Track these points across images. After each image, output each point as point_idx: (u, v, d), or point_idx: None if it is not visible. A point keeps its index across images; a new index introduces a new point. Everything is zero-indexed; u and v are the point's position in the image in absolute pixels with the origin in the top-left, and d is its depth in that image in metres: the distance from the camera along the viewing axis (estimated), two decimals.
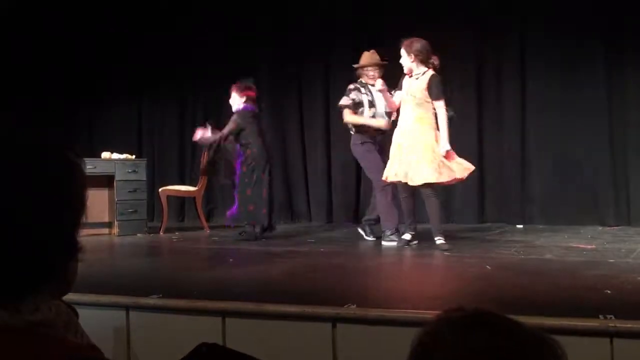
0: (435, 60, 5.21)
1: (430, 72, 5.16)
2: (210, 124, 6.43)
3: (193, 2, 8.48)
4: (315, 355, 2.68)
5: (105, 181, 6.77)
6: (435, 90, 5.08)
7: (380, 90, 5.41)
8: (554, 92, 6.98)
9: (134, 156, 7.25)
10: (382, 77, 5.71)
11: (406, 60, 5.19)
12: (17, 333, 0.82)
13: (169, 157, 8.92)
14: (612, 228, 6.51)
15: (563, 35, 6.88)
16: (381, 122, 5.65)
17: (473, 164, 7.15)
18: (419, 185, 5.00)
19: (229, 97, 6.26)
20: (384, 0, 7.60)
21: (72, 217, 0.91)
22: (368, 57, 5.82)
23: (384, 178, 5.27)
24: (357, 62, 5.91)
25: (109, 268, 4.44)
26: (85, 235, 0.94)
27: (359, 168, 6.93)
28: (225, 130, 6.10)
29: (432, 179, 4.93)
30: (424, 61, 5.17)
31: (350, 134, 5.84)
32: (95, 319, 2.81)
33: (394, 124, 5.43)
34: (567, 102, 6.93)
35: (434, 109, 5.10)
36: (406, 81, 5.26)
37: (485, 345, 0.85)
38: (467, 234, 6.13)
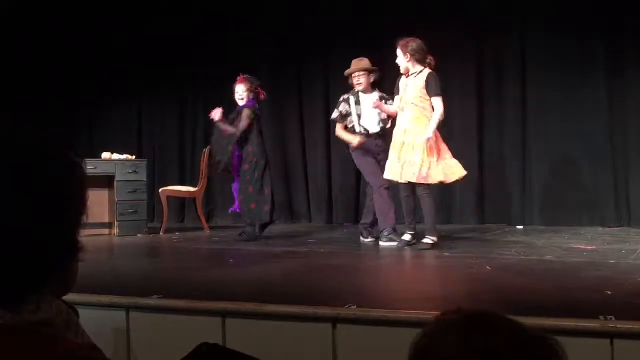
0: (431, 60, 5.21)
1: (427, 70, 5.16)
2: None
3: (193, 2, 8.48)
4: (315, 356, 2.68)
5: (106, 181, 6.77)
6: (434, 86, 5.08)
7: (376, 101, 5.48)
8: (554, 93, 6.98)
9: (134, 157, 7.25)
10: (376, 81, 5.76)
11: (402, 60, 5.19)
12: (18, 333, 0.82)
13: (169, 157, 8.92)
14: (613, 229, 6.51)
15: (563, 35, 6.88)
16: (353, 139, 5.64)
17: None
18: (413, 183, 5.03)
19: (232, 90, 6.14)
20: (384, 0, 7.60)
21: (73, 217, 0.91)
22: (354, 64, 5.81)
23: (384, 177, 5.30)
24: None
25: (109, 268, 4.45)
26: (85, 236, 0.94)
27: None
28: (243, 124, 5.95)
29: (413, 179, 4.98)
30: (420, 61, 5.16)
31: None
32: (96, 319, 2.81)
33: (393, 125, 5.44)
34: (567, 102, 6.93)
35: (432, 107, 5.10)
36: (403, 81, 5.26)
37: (485, 346, 0.85)
38: (467, 235, 6.14)
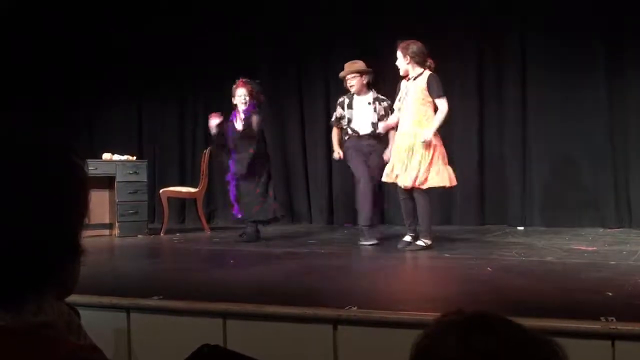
0: (431, 63, 5.20)
1: (428, 72, 5.14)
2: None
3: (193, 2, 8.48)
4: (316, 357, 2.68)
5: (106, 182, 6.78)
6: (436, 88, 5.06)
7: (370, 102, 5.62)
8: (554, 93, 6.98)
9: (134, 157, 7.25)
10: (369, 83, 5.79)
11: (402, 62, 5.18)
12: (18, 334, 0.82)
13: (170, 157, 8.92)
14: (613, 230, 6.51)
15: (563, 35, 6.87)
16: (335, 150, 5.90)
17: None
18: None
19: (231, 91, 6.14)
20: (384, 0, 7.60)
21: (74, 217, 0.90)
22: (346, 67, 5.84)
23: (382, 179, 5.32)
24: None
25: (109, 269, 4.45)
26: (85, 237, 0.93)
27: None
28: (258, 127, 5.98)
29: (409, 183, 4.98)
30: (420, 63, 5.15)
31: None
32: (96, 320, 2.81)
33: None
34: (567, 102, 6.92)
35: (434, 109, 5.09)
36: (403, 84, 5.24)
37: (485, 348, 0.85)
38: (467, 236, 6.14)
